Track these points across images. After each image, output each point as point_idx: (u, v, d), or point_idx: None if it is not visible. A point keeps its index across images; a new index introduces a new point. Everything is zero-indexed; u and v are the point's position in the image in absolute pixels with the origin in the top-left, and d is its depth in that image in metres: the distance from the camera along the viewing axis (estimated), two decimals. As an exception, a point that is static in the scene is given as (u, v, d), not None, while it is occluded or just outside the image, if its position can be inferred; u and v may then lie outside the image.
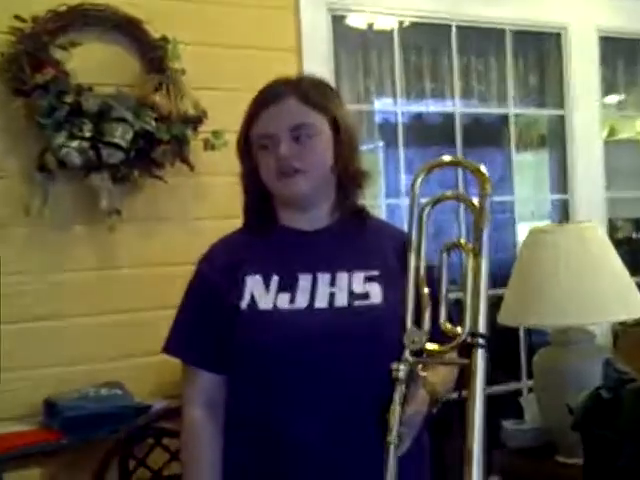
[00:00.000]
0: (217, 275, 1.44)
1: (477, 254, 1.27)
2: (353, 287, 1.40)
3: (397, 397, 1.24)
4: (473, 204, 1.32)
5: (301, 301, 1.39)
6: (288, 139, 1.41)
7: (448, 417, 3.39)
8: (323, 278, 1.40)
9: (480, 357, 1.18)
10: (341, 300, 1.39)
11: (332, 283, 1.40)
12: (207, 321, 1.43)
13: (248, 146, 1.47)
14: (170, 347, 1.48)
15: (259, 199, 1.49)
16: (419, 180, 1.36)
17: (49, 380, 2.42)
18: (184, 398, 1.47)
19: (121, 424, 2.18)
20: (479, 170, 1.34)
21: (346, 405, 1.34)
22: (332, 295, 1.39)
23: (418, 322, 1.29)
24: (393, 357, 1.26)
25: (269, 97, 1.44)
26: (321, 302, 1.38)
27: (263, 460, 1.37)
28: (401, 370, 1.25)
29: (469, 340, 1.20)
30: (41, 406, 2.38)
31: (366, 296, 1.39)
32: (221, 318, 1.40)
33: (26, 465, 1.98)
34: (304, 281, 1.40)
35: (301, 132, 1.41)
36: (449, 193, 1.48)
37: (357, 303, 1.39)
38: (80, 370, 2.47)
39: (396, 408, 1.24)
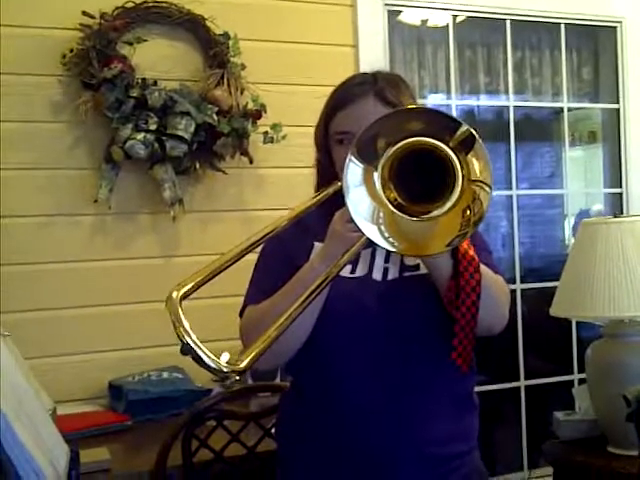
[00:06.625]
0: (289, 236, 1.47)
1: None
2: (405, 260, 1.49)
3: None
4: None
5: (360, 271, 1.48)
6: None
7: (499, 405, 3.42)
8: (381, 253, 1.49)
9: None
10: (393, 274, 1.49)
11: (387, 260, 1.50)
12: (278, 279, 1.46)
13: (326, 136, 1.54)
14: (245, 308, 1.53)
15: (330, 182, 1.55)
16: None
17: (112, 363, 2.51)
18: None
19: (183, 407, 2.26)
20: None
21: (396, 357, 1.44)
22: (386, 270, 1.49)
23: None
24: (439, 318, 1.38)
25: (348, 96, 1.50)
26: (377, 274, 1.49)
27: (324, 413, 1.46)
28: None
29: None
30: (105, 388, 2.48)
31: (417, 267, 1.48)
32: (289, 277, 1.44)
33: (96, 444, 2.06)
34: (365, 254, 1.47)
35: None
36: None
37: (407, 274, 1.48)
38: (142, 354, 2.55)
39: None
